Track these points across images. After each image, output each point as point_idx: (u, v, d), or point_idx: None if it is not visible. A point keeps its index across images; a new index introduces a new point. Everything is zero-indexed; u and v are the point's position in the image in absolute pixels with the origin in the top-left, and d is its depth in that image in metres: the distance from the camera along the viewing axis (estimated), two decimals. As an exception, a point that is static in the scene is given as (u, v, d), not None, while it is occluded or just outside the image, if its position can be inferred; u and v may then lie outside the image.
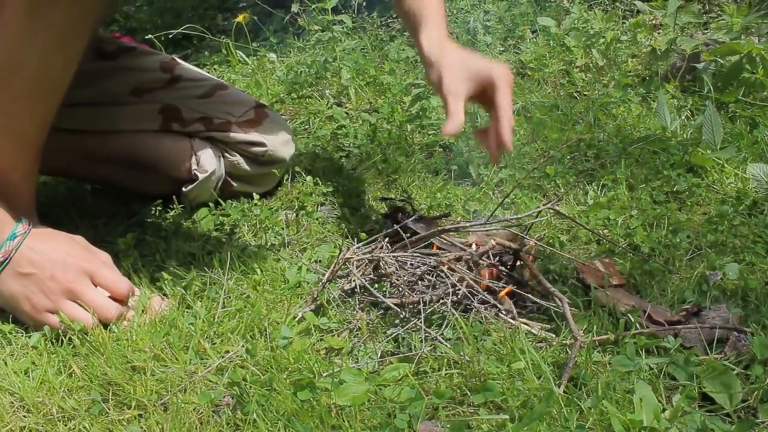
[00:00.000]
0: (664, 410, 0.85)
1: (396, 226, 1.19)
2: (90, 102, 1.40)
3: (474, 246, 1.16)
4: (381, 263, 1.10)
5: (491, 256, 1.15)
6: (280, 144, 1.47)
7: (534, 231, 1.27)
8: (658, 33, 2.09)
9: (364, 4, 2.48)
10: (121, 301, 1.08)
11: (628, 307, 1.05)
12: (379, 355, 0.98)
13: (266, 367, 0.95)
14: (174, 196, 1.40)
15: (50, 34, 0.99)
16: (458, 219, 1.36)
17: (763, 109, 1.66)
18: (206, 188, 1.41)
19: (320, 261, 1.25)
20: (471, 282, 1.07)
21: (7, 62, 1.00)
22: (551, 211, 1.24)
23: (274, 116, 1.50)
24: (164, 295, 1.15)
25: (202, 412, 0.90)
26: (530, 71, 1.98)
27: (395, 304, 1.04)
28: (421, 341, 0.99)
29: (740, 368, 0.93)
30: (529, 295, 1.09)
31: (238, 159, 1.44)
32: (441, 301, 1.04)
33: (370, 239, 1.21)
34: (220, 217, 1.40)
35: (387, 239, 1.19)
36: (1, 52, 0.99)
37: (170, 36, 2.43)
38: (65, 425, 0.90)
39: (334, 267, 1.14)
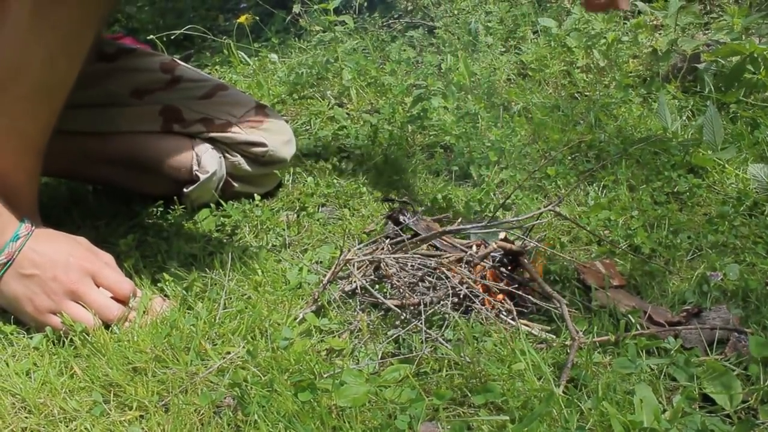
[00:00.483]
0: (664, 411, 0.85)
1: (397, 228, 1.19)
2: (91, 104, 1.40)
3: (474, 247, 1.16)
4: (382, 264, 1.10)
5: (491, 258, 1.15)
6: (280, 144, 1.47)
7: (535, 232, 1.27)
8: (659, 33, 2.09)
9: (366, 4, 2.48)
10: (123, 301, 1.09)
11: (628, 308, 1.05)
12: (379, 356, 0.98)
13: (267, 368, 0.95)
14: (175, 197, 1.40)
15: (55, 35, 0.99)
16: (459, 220, 1.36)
17: (764, 110, 1.66)
18: (207, 189, 1.41)
19: (321, 262, 1.25)
20: (471, 283, 1.07)
21: (12, 63, 1.00)
22: (552, 212, 1.24)
23: (275, 117, 1.50)
24: (165, 296, 1.16)
25: (203, 413, 0.90)
26: (531, 72, 1.98)
27: (396, 306, 1.04)
28: (422, 342, 0.99)
29: (740, 369, 0.93)
30: (530, 297, 1.09)
31: (239, 159, 1.44)
32: (441, 302, 1.04)
33: (371, 240, 1.21)
34: (221, 218, 1.40)
35: (388, 240, 1.19)
36: (6, 53, 0.99)
37: (172, 37, 2.43)
38: (67, 426, 0.91)
39: (335, 268, 1.14)
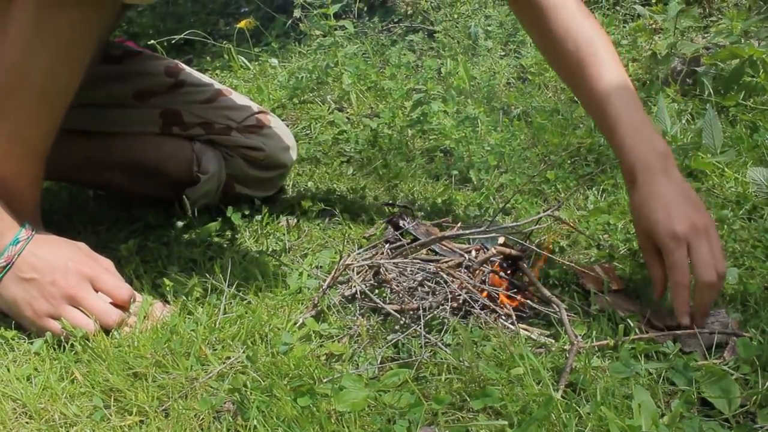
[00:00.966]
0: (662, 415, 0.85)
1: (396, 233, 1.19)
2: (92, 104, 1.41)
3: (474, 252, 1.16)
4: (381, 269, 1.11)
5: (491, 262, 1.16)
6: (280, 150, 1.47)
7: (534, 236, 1.27)
8: (659, 37, 2.10)
9: (366, 9, 2.49)
10: (123, 307, 1.09)
11: (627, 312, 1.05)
12: (379, 361, 0.99)
13: (267, 373, 0.96)
14: (176, 202, 1.40)
15: (57, 42, 0.99)
16: (458, 224, 1.36)
17: (763, 113, 1.67)
18: (208, 191, 1.42)
19: (321, 267, 1.25)
20: (470, 288, 1.07)
21: (15, 71, 1.01)
22: (551, 216, 1.24)
23: (276, 122, 1.50)
24: (166, 301, 1.16)
25: (203, 419, 0.91)
26: (531, 76, 1.99)
27: (395, 310, 1.04)
28: (421, 347, 0.99)
29: (739, 373, 0.93)
30: (529, 301, 1.10)
31: (239, 161, 1.45)
32: (441, 307, 1.05)
33: (370, 245, 1.21)
34: (222, 223, 1.41)
35: (388, 245, 1.19)
36: (9, 61, 1.00)
37: (172, 41, 2.44)
38: (67, 431, 0.91)
39: (335, 273, 1.14)
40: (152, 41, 2.34)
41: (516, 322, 1.05)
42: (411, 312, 1.04)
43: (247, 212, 1.43)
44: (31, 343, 1.06)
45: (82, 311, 1.06)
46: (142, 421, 0.91)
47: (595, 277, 1.14)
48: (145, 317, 1.10)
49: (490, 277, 1.13)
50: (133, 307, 1.10)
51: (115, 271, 1.13)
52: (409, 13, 2.50)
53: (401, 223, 1.25)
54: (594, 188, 1.46)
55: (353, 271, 1.14)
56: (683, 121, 1.67)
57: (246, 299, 1.14)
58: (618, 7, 2.28)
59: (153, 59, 1.49)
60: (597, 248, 1.28)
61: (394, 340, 1.02)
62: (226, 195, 1.45)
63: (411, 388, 0.91)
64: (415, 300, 1.06)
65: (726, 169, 1.47)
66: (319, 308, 1.09)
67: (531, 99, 1.86)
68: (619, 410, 0.85)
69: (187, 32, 2.44)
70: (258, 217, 1.40)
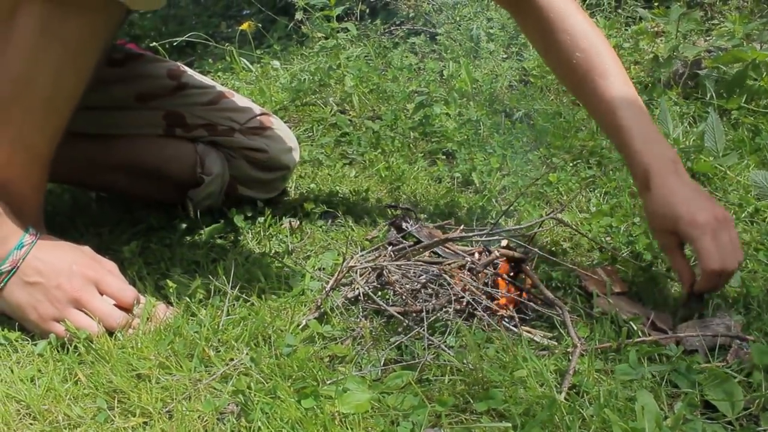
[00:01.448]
0: (665, 418, 0.85)
1: (399, 235, 1.19)
2: (94, 106, 1.41)
3: (476, 255, 1.16)
4: (384, 271, 1.11)
5: (493, 265, 1.16)
6: (283, 151, 1.47)
7: (536, 239, 1.28)
8: (661, 40, 2.10)
9: (368, 11, 2.49)
10: (127, 309, 1.09)
11: (630, 315, 1.05)
12: (382, 363, 0.99)
13: (270, 374, 0.96)
14: (179, 204, 1.41)
15: (63, 50, 0.99)
16: (461, 227, 1.36)
17: (765, 116, 1.67)
18: (212, 192, 1.42)
19: (324, 269, 1.25)
20: (474, 290, 1.07)
21: (20, 77, 1.01)
22: (554, 219, 1.24)
23: (279, 124, 1.51)
24: (169, 302, 1.16)
25: (206, 420, 0.91)
26: (533, 78, 1.99)
27: (398, 313, 1.05)
28: (425, 349, 0.99)
29: (742, 376, 0.93)
30: (532, 303, 1.10)
31: (242, 162, 1.45)
32: (444, 309, 1.05)
33: (373, 247, 1.21)
34: (225, 225, 1.41)
35: (390, 247, 1.19)
36: (14, 68, 1.00)
37: (174, 44, 2.44)
38: (71, 433, 0.91)
39: (338, 275, 1.15)
40: (154, 43, 2.34)
41: (519, 325, 1.05)
42: (414, 314, 1.04)
43: (249, 214, 1.43)
44: (35, 345, 1.06)
45: (86, 314, 1.06)
46: (145, 423, 0.92)
47: (597, 280, 1.14)
48: (148, 319, 1.10)
49: (493, 280, 1.13)
50: (137, 309, 1.11)
51: (119, 273, 1.13)
52: (411, 15, 2.50)
53: (404, 225, 1.25)
54: (596, 191, 1.46)
55: (356, 273, 1.14)
56: (685, 124, 1.67)
57: (249, 301, 1.14)
58: (620, 10, 2.28)
59: (155, 62, 1.49)
60: (599, 251, 1.28)
61: (397, 342, 1.02)
62: (228, 197, 1.46)
63: (414, 390, 0.91)
64: (419, 302, 1.06)
65: (728, 172, 1.47)
66: (322, 310, 1.09)
67: (533, 101, 1.87)
68: (622, 413, 0.85)
69: (189, 34, 2.44)
70: (261, 219, 1.40)
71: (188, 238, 1.38)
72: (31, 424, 0.93)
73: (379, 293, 1.12)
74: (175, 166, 1.42)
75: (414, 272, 1.12)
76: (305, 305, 1.14)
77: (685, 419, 0.85)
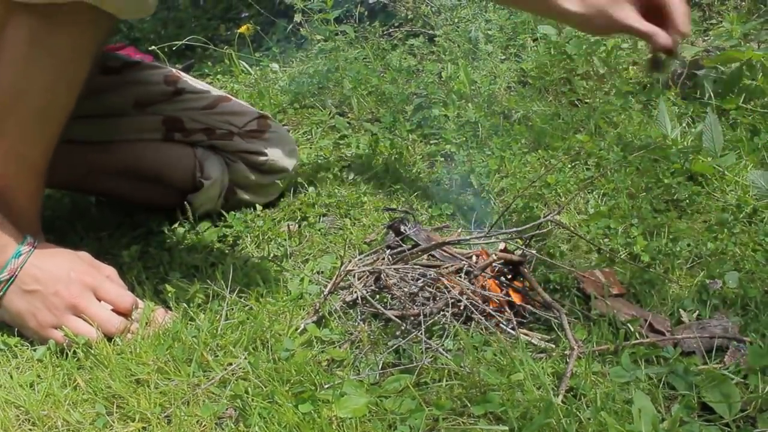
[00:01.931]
0: (662, 420, 0.85)
1: (397, 238, 1.20)
2: (92, 114, 1.41)
3: (474, 258, 1.16)
4: (382, 275, 1.11)
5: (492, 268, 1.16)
6: (281, 154, 1.48)
7: (535, 241, 1.28)
8: (659, 40, 2.09)
9: (366, 14, 2.49)
10: (125, 314, 1.09)
11: (628, 317, 1.05)
12: (380, 367, 0.99)
13: (268, 379, 0.96)
14: (178, 209, 1.41)
15: (53, 61, 1.00)
16: (459, 230, 1.36)
17: (763, 116, 1.67)
18: (211, 196, 1.42)
19: (322, 272, 1.26)
20: (471, 295, 1.08)
21: (11, 89, 1.01)
22: (552, 221, 1.24)
23: (277, 127, 1.51)
24: (168, 307, 1.16)
25: (205, 425, 0.91)
26: (531, 79, 1.99)
27: (396, 316, 1.05)
28: (422, 353, 0.99)
29: (739, 378, 0.93)
30: (529, 306, 1.10)
31: (241, 166, 1.45)
32: (442, 312, 1.05)
33: (371, 251, 1.22)
34: (223, 229, 1.41)
35: (389, 251, 1.19)
36: (5, 79, 1.00)
37: (173, 47, 2.44)
38: (70, 438, 0.91)
39: (336, 279, 1.15)
40: (153, 46, 2.34)
41: (516, 327, 1.05)
42: (412, 318, 1.05)
43: (248, 218, 1.43)
44: (34, 351, 1.07)
45: (85, 320, 1.06)
46: (144, 428, 0.92)
47: (595, 282, 1.14)
48: (147, 324, 1.10)
49: (489, 283, 1.13)
50: (135, 313, 1.11)
51: (118, 279, 1.14)
52: (409, 17, 2.50)
53: (402, 228, 1.26)
54: (594, 192, 1.46)
55: (354, 276, 1.14)
56: (684, 124, 1.67)
57: (247, 305, 1.15)
58: (618, 11, 2.28)
59: (151, 68, 1.50)
60: (597, 253, 1.28)
61: (395, 346, 1.02)
62: (228, 201, 1.46)
63: (412, 394, 0.91)
64: (416, 306, 1.06)
65: (726, 173, 1.47)
66: (320, 314, 1.10)
67: (531, 103, 1.86)
68: (619, 415, 0.85)
69: (188, 37, 2.45)
70: (259, 223, 1.41)
71: (187, 242, 1.38)
72: (30, 429, 0.93)
73: (377, 297, 1.12)
74: (174, 170, 1.43)
75: (412, 276, 1.12)
76: (303, 309, 1.14)
77: (682, 421, 0.85)
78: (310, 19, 2.38)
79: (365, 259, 1.20)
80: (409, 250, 1.17)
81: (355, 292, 1.12)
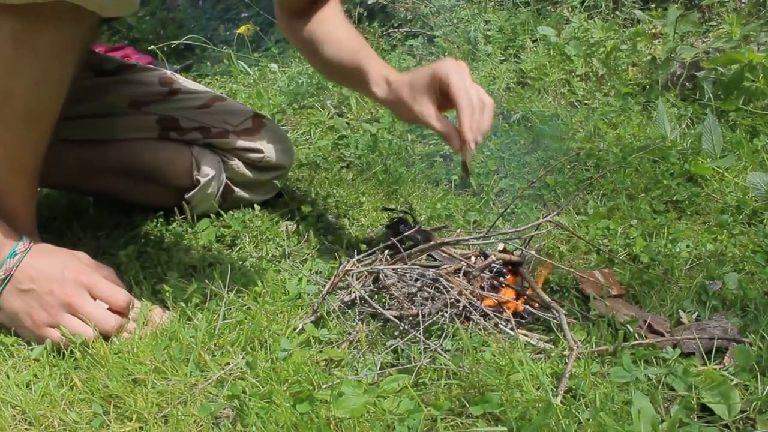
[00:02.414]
0: (662, 421, 0.85)
1: (395, 239, 1.19)
2: (89, 114, 1.41)
3: (473, 258, 1.16)
4: (381, 275, 1.11)
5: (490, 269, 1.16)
6: (278, 151, 1.48)
7: (534, 241, 1.27)
8: (658, 42, 2.10)
9: (365, 14, 2.49)
10: (121, 313, 1.09)
11: (627, 318, 1.05)
12: (378, 367, 0.98)
13: (266, 379, 0.96)
14: (175, 208, 1.41)
15: (37, 62, 0.99)
16: (458, 230, 1.36)
17: (763, 118, 1.67)
18: (208, 194, 1.42)
19: (321, 272, 1.25)
20: (469, 295, 1.07)
21: None
22: (551, 222, 1.24)
23: (272, 125, 1.51)
24: (165, 307, 1.16)
25: (202, 425, 0.91)
26: (531, 80, 1.99)
27: (395, 316, 1.04)
28: (421, 353, 0.99)
29: (739, 379, 0.93)
30: (528, 306, 1.09)
31: (237, 163, 1.45)
32: (440, 312, 1.04)
33: (370, 251, 1.21)
34: (221, 229, 1.41)
35: (387, 251, 1.19)
36: None
37: (173, 47, 2.44)
38: (66, 438, 0.91)
39: (334, 279, 1.14)
40: (152, 47, 2.34)
41: (515, 328, 1.05)
42: (410, 318, 1.04)
43: (246, 218, 1.43)
44: (31, 350, 1.06)
45: (80, 319, 1.06)
46: (141, 428, 0.91)
47: (594, 283, 1.14)
48: (144, 323, 1.10)
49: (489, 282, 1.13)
50: (133, 313, 1.10)
51: (115, 278, 1.13)
52: (408, 18, 2.50)
53: (401, 228, 1.25)
54: (593, 193, 1.46)
55: (353, 276, 1.14)
56: (683, 126, 1.67)
57: (245, 305, 1.14)
58: (617, 12, 2.28)
59: (147, 70, 1.50)
60: (597, 253, 1.28)
61: (393, 346, 1.02)
62: (225, 199, 1.46)
63: (410, 394, 0.91)
64: (415, 306, 1.06)
65: (726, 174, 1.47)
66: (318, 314, 1.09)
67: (530, 104, 1.86)
68: (618, 416, 0.85)
69: (187, 38, 2.45)
70: (257, 223, 1.40)
71: (185, 242, 1.38)
72: (26, 429, 0.93)
73: (376, 297, 1.12)
74: (171, 168, 1.43)
75: (410, 276, 1.11)
76: (301, 309, 1.14)
77: (682, 422, 0.85)
78: (310, 19, 2.37)
79: (364, 259, 1.19)
80: (407, 250, 1.17)
81: (354, 292, 1.11)
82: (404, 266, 1.13)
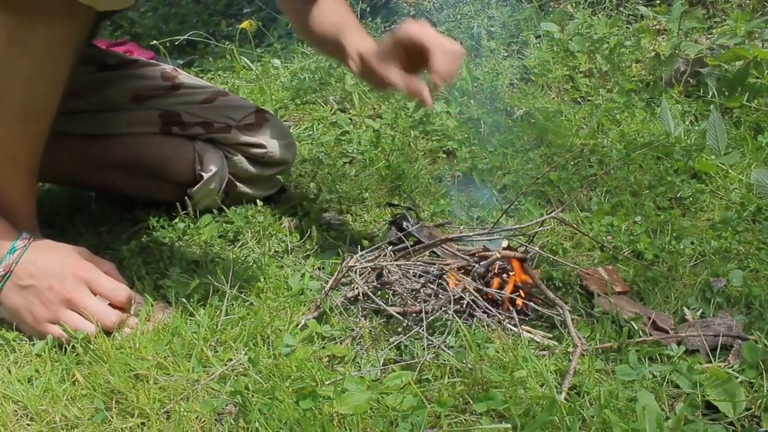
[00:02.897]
0: (667, 419, 0.84)
1: (400, 234, 1.19)
2: (91, 109, 1.41)
3: (476, 255, 1.15)
4: (384, 271, 1.10)
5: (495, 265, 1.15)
6: (280, 146, 1.48)
7: (537, 238, 1.27)
8: (662, 38, 2.09)
9: (369, 9, 2.49)
10: (122, 308, 1.09)
11: (631, 315, 1.04)
12: (381, 363, 0.98)
13: (269, 375, 0.95)
14: (178, 203, 1.40)
15: (32, 59, 0.99)
16: (461, 227, 1.36)
17: (767, 114, 1.66)
18: (211, 189, 1.42)
19: (323, 268, 1.25)
20: (473, 292, 1.07)
21: None
22: (555, 218, 1.24)
23: (275, 120, 1.51)
24: (167, 302, 1.16)
25: (204, 421, 0.90)
26: (534, 76, 1.98)
27: (398, 312, 1.04)
28: (424, 349, 0.98)
29: (744, 376, 0.92)
30: (532, 303, 1.09)
31: (240, 158, 1.45)
32: (444, 308, 1.04)
33: (373, 247, 1.21)
34: (224, 224, 1.41)
35: (390, 247, 1.19)
36: None
37: (175, 42, 2.44)
38: (68, 434, 0.91)
39: (337, 275, 1.14)
40: (155, 42, 2.33)
41: (519, 324, 1.04)
42: (413, 314, 1.04)
43: (249, 213, 1.42)
44: (33, 345, 1.06)
45: (81, 314, 1.05)
46: (143, 423, 0.91)
47: (598, 279, 1.13)
48: (146, 319, 1.10)
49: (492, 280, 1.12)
50: (134, 308, 1.10)
51: (117, 273, 1.13)
52: (412, 13, 2.50)
53: (404, 224, 1.25)
54: (597, 189, 1.46)
55: (356, 272, 1.14)
56: (687, 122, 1.66)
57: (248, 301, 1.14)
58: (621, 8, 2.28)
59: (149, 65, 1.50)
60: (600, 250, 1.27)
61: (396, 342, 1.01)
62: (228, 195, 1.45)
63: (413, 391, 0.90)
64: (418, 302, 1.05)
65: (730, 171, 1.46)
66: (321, 310, 1.09)
67: (534, 100, 1.86)
68: (623, 413, 0.84)
69: (189, 33, 2.44)
70: (260, 218, 1.40)
71: (187, 237, 1.38)
72: (28, 424, 0.92)
73: (379, 293, 1.11)
74: (173, 164, 1.42)
75: (414, 272, 1.11)
76: (304, 305, 1.13)
77: (687, 420, 0.84)
78: (312, 15, 2.36)
79: (367, 255, 1.19)
80: (411, 246, 1.17)
81: (357, 288, 1.11)
82: (408, 262, 1.13)
